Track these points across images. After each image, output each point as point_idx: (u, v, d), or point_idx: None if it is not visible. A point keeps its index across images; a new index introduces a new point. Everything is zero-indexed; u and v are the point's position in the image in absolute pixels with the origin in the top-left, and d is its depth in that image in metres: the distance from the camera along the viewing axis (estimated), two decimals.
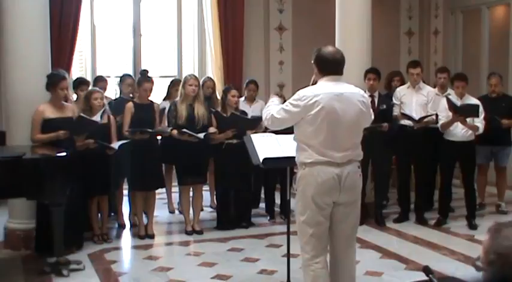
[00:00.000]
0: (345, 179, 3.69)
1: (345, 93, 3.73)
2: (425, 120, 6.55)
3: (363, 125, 3.85)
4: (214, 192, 7.02)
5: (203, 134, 6.11)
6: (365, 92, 6.56)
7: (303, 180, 3.73)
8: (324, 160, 3.66)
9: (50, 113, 5.52)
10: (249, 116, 6.55)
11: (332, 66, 3.75)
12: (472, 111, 6.23)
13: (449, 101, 6.27)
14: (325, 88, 3.70)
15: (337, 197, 3.72)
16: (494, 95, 7.07)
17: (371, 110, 3.96)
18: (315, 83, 3.85)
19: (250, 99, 7.12)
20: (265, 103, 7.34)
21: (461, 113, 6.24)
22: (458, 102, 6.31)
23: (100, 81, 7.03)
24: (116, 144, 5.85)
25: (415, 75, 6.67)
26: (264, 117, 3.95)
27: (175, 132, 6.12)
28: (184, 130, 6.04)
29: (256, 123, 6.33)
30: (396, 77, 7.57)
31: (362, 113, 3.78)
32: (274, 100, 4.03)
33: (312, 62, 3.82)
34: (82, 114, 5.62)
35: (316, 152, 3.66)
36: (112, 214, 6.67)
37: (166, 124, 6.31)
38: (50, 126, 5.47)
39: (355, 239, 3.99)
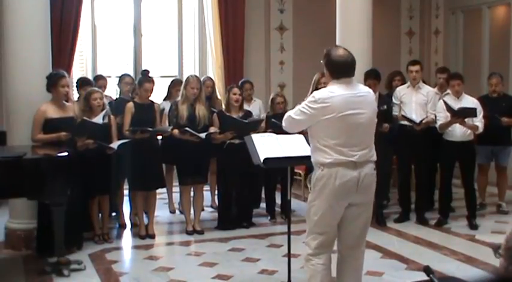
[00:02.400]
0: (362, 180, 3.72)
1: (360, 94, 3.77)
2: (425, 121, 6.56)
3: (375, 124, 3.90)
4: (215, 192, 7.03)
5: (204, 133, 6.12)
6: None
7: (320, 181, 3.72)
8: (343, 160, 3.66)
9: (52, 112, 5.54)
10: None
11: (344, 70, 3.76)
12: (470, 113, 6.25)
13: (446, 104, 6.28)
14: (340, 90, 3.71)
15: (353, 198, 3.75)
16: (495, 95, 7.08)
17: None
18: (316, 82, 3.87)
19: (248, 99, 7.21)
20: (263, 102, 7.43)
21: (460, 115, 6.25)
22: (456, 106, 6.31)
23: (100, 80, 7.06)
24: (115, 144, 5.85)
25: (414, 72, 6.66)
26: (284, 120, 3.96)
27: (176, 131, 6.12)
28: (187, 129, 6.04)
29: (255, 126, 6.33)
30: (397, 76, 7.57)
31: (375, 113, 3.86)
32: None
33: (322, 62, 3.84)
34: (85, 118, 5.64)
35: (334, 151, 3.67)
36: (113, 214, 6.68)
37: (167, 124, 6.31)
38: (52, 126, 5.48)
39: (365, 240, 4.01)
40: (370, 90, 3.95)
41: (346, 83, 3.74)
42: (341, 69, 3.75)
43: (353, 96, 3.71)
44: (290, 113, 3.88)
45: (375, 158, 3.83)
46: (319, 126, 3.71)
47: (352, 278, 3.93)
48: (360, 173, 3.70)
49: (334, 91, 3.71)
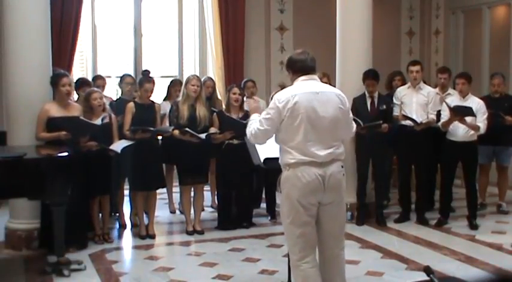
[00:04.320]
0: (328, 179, 3.72)
1: (322, 91, 3.77)
2: (425, 121, 6.56)
3: (342, 123, 3.85)
4: (215, 192, 7.02)
5: (205, 134, 6.12)
6: (364, 94, 6.59)
7: (286, 182, 3.76)
8: (307, 160, 3.69)
9: (55, 111, 5.56)
10: None
11: (304, 65, 3.79)
12: (467, 112, 6.24)
13: (445, 102, 6.31)
14: (301, 88, 3.74)
15: (321, 197, 3.74)
16: (497, 95, 7.08)
17: (350, 110, 3.99)
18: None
19: (250, 97, 7.17)
20: (265, 102, 7.43)
21: (457, 113, 6.25)
22: (452, 104, 6.31)
23: (98, 80, 7.06)
24: (118, 148, 5.83)
25: (414, 72, 6.65)
26: (248, 135, 3.93)
27: (176, 132, 6.12)
28: (187, 129, 6.05)
29: None
30: (397, 76, 7.57)
31: (341, 110, 3.80)
32: (255, 117, 4.00)
33: (285, 68, 3.87)
34: (80, 117, 5.64)
35: (298, 152, 3.69)
36: (113, 214, 6.67)
37: (167, 124, 6.31)
38: (55, 124, 5.50)
39: (343, 237, 4.00)
40: (336, 90, 3.94)
41: (309, 79, 3.76)
42: (300, 63, 3.79)
43: (315, 94, 3.71)
44: (255, 126, 3.81)
45: (342, 156, 3.83)
46: (283, 127, 3.73)
47: (337, 276, 3.91)
48: (325, 171, 3.71)
49: (295, 89, 3.74)
